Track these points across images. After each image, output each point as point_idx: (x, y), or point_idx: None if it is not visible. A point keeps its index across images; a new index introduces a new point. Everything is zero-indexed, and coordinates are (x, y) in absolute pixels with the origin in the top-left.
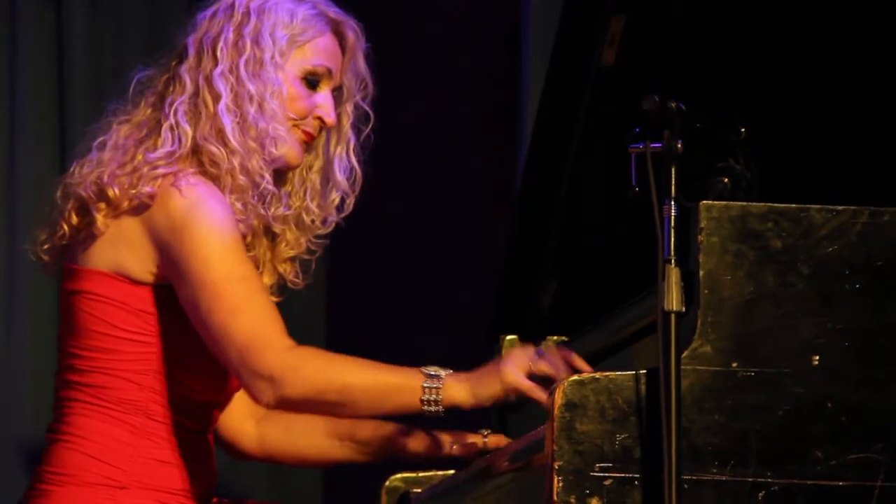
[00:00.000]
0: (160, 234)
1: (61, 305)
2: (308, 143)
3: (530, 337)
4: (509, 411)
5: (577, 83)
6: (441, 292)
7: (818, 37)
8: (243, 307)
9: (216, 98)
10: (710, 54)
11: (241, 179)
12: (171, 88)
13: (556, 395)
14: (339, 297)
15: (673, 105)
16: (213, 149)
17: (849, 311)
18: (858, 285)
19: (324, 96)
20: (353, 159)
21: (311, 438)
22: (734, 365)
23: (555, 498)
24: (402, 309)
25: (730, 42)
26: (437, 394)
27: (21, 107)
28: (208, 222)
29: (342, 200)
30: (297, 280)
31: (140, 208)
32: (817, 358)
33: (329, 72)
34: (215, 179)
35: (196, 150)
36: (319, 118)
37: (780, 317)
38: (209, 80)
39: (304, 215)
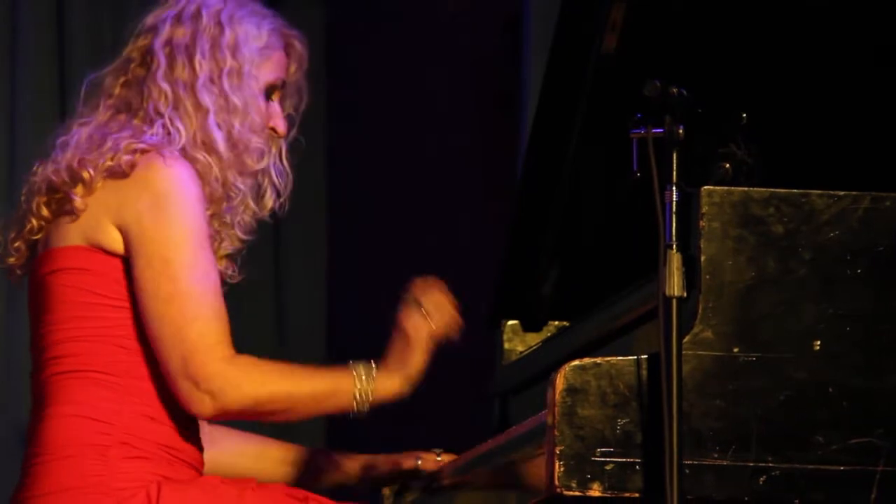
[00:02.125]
0: (136, 203)
1: (32, 296)
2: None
3: (532, 322)
4: (511, 395)
5: (578, 70)
6: (442, 277)
7: (819, 22)
8: (201, 312)
9: (203, 110)
10: (712, 40)
11: (220, 191)
12: (145, 94)
13: (558, 380)
14: (339, 285)
15: (674, 90)
16: (201, 157)
17: (850, 297)
18: (860, 271)
19: (276, 107)
20: (286, 163)
21: (263, 463)
22: (735, 350)
23: (556, 483)
24: (403, 294)
25: (731, 28)
26: (370, 394)
27: (21, 106)
28: (189, 210)
29: (276, 201)
30: (234, 275)
31: (115, 176)
32: (818, 343)
33: (283, 84)
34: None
35: (183, 153)
36: (272, 128)
37: (782, 302)
38: (193, 91)
39: (244, 214)
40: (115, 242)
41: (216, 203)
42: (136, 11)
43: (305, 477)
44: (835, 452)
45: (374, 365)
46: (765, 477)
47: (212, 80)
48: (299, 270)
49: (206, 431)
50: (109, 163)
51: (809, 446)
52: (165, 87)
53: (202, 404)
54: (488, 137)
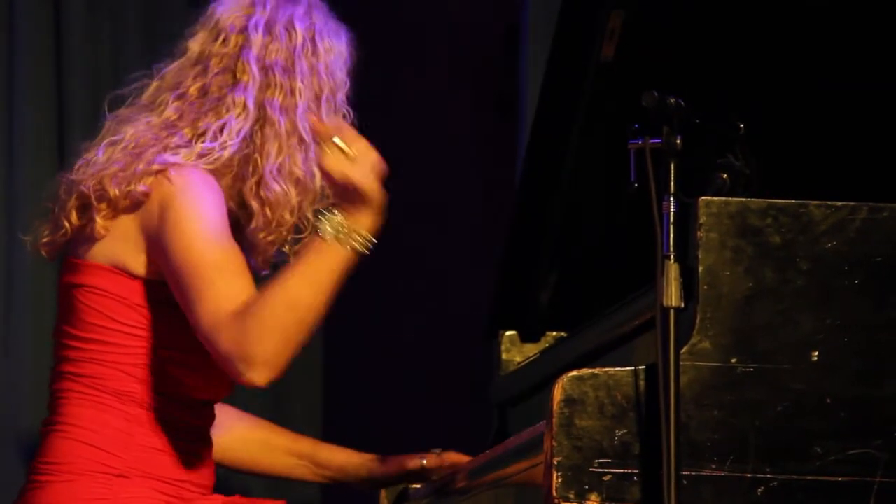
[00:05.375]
0: (151, 222)
1: (60, 298)
2: None
3: (529, 333)
4: (509, 406)
5: (577, 77)
6: (439, 287)
7: (817, 32)
8: (218, 297)
9: (304, 141)
10: (710, 49)
11: (290, 220)
12: (221, 106)
13: (556, 391)
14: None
15: (672, 101)
16: (279, 188)
17: (848, 307)
18: (857, 281)
19: None
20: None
21: (268, 452)
22: (733, 361)
23: (554, 493)
24: (400, 303)
25: (729, 37)
26: (356, 235)
27: (19, 106)
28: (192, 206)
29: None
30: (266, 270)
31: (135, 206)
32: (816, 354)
33: None
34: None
35: (248, 175)
36: None
37: (779, 312)
38: (292, 118)
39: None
40: (139, 266)
41: (279, 231)
42: (134, 15)
43: (309, 470)
44: (833, 463)
45: (335, 215)
46: (763, 488)
47: (310, 109)
48: None
49: (216, 418)
50: (129, 187)
51: (807, 457)
52: (251, 105)
53: (257, 375)
54: (487, 145)
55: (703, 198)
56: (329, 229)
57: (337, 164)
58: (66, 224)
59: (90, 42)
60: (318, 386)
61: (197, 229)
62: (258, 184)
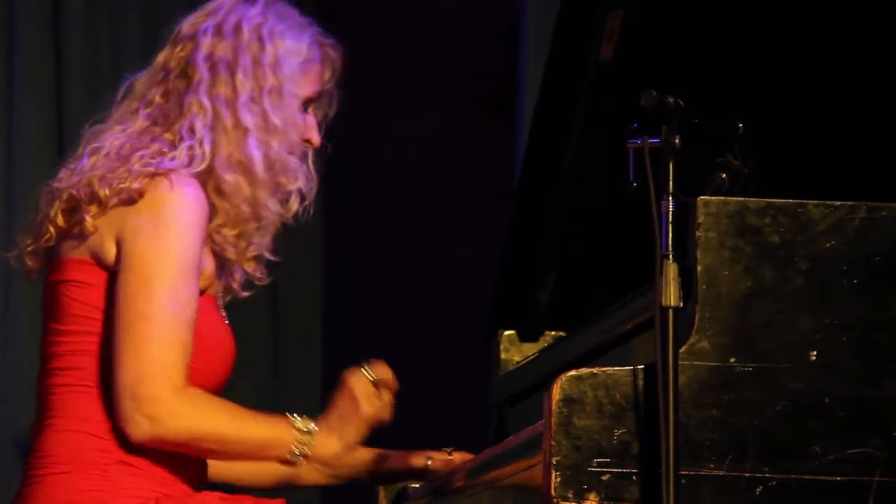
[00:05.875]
0: (136, 219)
1: (45, 299)
2: None
3: (528, 332)
4: (508, 405)
5: (575, 78)
6: (439, 287)
7: (816, 32)
8: (167, 338)
9: (242, 129)
10: (708, 49)
11: (247, 211)
12: (184, 108)
13: (554, 391)
14: (337, 292)
15: (671, 100)
16: (231, 178)
17: (846, 307)
18: (856, 280)
19: (311, 118)
20: (313, 168)
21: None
22: (732, 360)
23: (552, 493)
24: (400, 304)
25: (728, 37)
26: (307, 449)
27: (19, 106)
28: (185, 236)
29: (301, 205)
30: (262, 277)
31: (128, 202)
32: (815, 353)
33: (320, 95)
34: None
35: (208, 172)
36: (307, 141)
37: (778, 312)
38: (234, 110)
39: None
40: (111, 256)
41: (242, 222)
42: (134, 15)
43: (315, 469)
44: (831, 463)
45: (313, 423)
46: (761, 487)
47: (253, 100)
48: (297, 279)
49: None
50: (124, 185)
51: (806, 457)
52: (206, 102)
53: (139, 427)
54: (486, 145)
55: (702, 197)
56: (296, 440)
57: (360, 384)
58: (51, 228)
59: (90, 42)
60: (318, 386)
61: (174, 267)
62: (214, 177)
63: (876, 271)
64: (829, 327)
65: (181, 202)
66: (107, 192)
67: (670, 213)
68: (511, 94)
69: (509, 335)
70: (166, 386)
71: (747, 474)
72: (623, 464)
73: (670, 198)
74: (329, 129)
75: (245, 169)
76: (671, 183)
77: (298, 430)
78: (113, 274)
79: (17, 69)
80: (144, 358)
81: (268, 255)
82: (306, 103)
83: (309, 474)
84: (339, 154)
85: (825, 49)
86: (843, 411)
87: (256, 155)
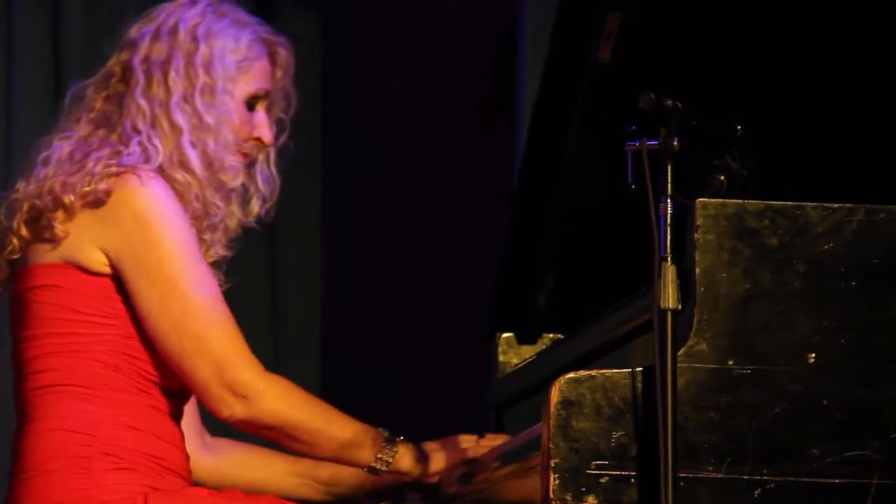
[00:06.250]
0: (119, 226)
1: (12, 309)
2: (247, 164)
3: (526, 335)
4: (506, 407)
5: (574, 79)
6: (438, 290)
7: (814, 34)
8: (218, 320)
9: (177, 129)
10: (707, 51)
11: (200, 209)
12: (124, 110)
13: (553, 393)
14: (336, 295)
15: (669, 102)
16: (180, 176)
17: (844, 309)
18: (854, 283)
19: (261, 116)
20: (274, 169)
21: (270, 475)
22: (730, 363)
23: (551, 495)
24: (399, 305)
25: (726, 39)
26: (390, 458)
27: (20, 106)
28: (176, 225)
29: (262, 207)
30: (221, 283)
31: (95, 204)
32: (813, 355)
33: (267, 93)
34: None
35: (161, 171)
36: (258, 139)
37: (776, 314)
38: (167, 111)
39: (229, 221)
40: (96, 263)
41: (197, 220)
42: (135, 13)
43: (312, 488)
44: (830, 465)
45: (401, 438)
46: (760, 490)
47: (185, 99)
48: (295, 280)
49: (208, 441)
50: (87, 188)
51: (804, 459)
52: (143, 104)
53: (233, 408)
54: (485, 147)
55: (700, 199)
56: (381, 447)
57: (468, 443)
58: (15, 240)
59: (90, 42)
60: (317, 387)
61: (187, 251)
62: (166, 176)
63: (874, 273)
64: (827, 329)
65: (155, 195)
66: (71, 197)
67: (669, 215)
68: (510, 94)
69: (508, 337)
70: (248, 367)
71: (746, 477)
72: (621, 466)
73: (669, 200)
74: (328, 130)
75: (186, 168)
76: (669, 185)
77: (385, 437)
78: (90, 276)
79: (17, 69)
80: (212, 347)
81: (222, 252)
82: (251, 101)
83: (307, 493)
84: (338, 155)
85: (823, 51)
86: (841, 413)
87: (192, 154)
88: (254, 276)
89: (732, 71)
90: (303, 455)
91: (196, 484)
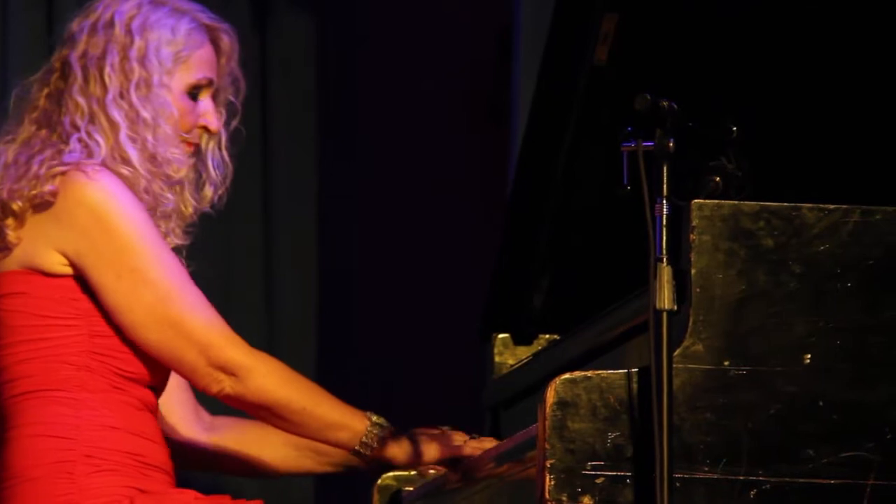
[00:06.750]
0: (75, 224)
1: None
2: (193, 152)
3: (522, 336)
4: (502, 408)
5: (570, 81)
6: (433, 291)
7: (810, 36)
8: (193, 302)
9: (115, 127)
10: (703, 53)
11: (149, 200)
12: (63, 108)
13: (548, 394)
14: (330, 297)
15: (665, 104)
16: (125, 171)
17: (840, 310)
18: (850, 284)
19: (206, 104)
20: (225, 154)
21: (268, 448)
22: (726, 363)
23: (546, 496)
24: (395, 307)
25: (722, 41)
26: (374, 443)
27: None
28: (131, 215)
29: (215, 193)
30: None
31: (44, 206)
32: (809, 356)
33: (210, 81)
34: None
35: (105, 166)
36: (204, 126)
37: (772, 315)
38: (104, 108)
39: (182, 208)
40: (56, 265)
41: (150, 211)
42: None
43: (311, 459)
44: (825, 466)
45: (389, 425)
46: (755, 491)
47: (121, 95)
48: (290, 282)
49: (206, 420)
50: (34, 191)
51: (800, 460)
52: (81, 101)
53: (222, 383)
54: (480, 148)
55: (696, 200)
56: (368, 430)
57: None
58: None
59: None
60: None
61: (149, 238)
62: (112, 171)
63: (870, 275)
64: (822, 331)
65: (105, 187)
66: (19, 203)
67: (664, 216)
68: (505, 96)
69: (503, 338)
70: (232, 345)
71: (741, 477)
72: (617, 467)
73: (664, 201)
74: (323, 131)
75: (128, 163)
76: (665, 186)
77: (372, 422)
78: (53, 278)
79: (14, 69)
80: (193, 331)
81: (178, 241)
82: (193, 91)
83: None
84: (334, 155)
85: (819, 53)
86: (836, 415)
87: (132, 149)
88: (249, 277)
89: (728, 72)
90: (291, 434)
91: (193, 487)
